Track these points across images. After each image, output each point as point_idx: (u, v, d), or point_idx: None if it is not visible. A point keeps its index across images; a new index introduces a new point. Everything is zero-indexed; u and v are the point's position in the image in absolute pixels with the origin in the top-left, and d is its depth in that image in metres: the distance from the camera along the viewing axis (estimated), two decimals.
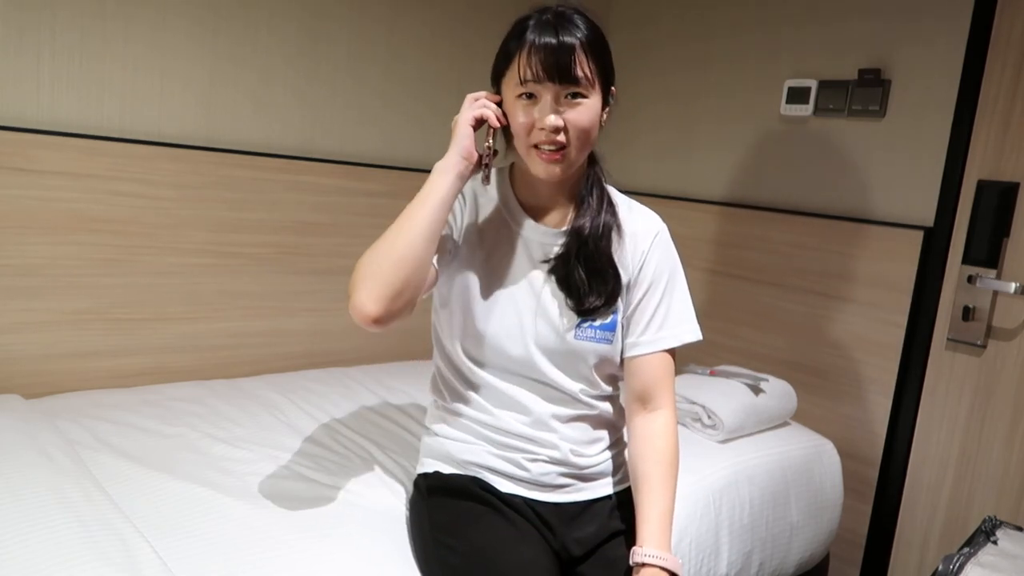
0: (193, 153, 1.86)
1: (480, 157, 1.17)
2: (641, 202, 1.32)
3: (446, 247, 1.20)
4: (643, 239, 1.24)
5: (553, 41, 1.09)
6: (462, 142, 1.14)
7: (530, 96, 1.12)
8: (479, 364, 1.25)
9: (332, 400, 1.84)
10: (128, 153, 1.76)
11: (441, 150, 1.16)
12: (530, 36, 1.10)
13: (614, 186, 1.29)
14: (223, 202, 1.92)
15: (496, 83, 1.18)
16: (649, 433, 1.20)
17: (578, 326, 1.21)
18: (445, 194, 1.12)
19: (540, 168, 1.15)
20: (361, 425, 1.70)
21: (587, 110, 1.13)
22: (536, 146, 1.13)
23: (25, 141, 1.63)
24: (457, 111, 1.18)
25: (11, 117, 1.64)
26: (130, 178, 1.77)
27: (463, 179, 1.15)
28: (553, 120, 1.10)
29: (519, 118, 1.13)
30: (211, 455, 1.47)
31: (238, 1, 1.91)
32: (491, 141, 1.17)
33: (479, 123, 1.17)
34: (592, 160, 1.25)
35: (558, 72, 1.09)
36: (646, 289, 1.23)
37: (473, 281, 1.23)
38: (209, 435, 1.56)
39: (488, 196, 1.27)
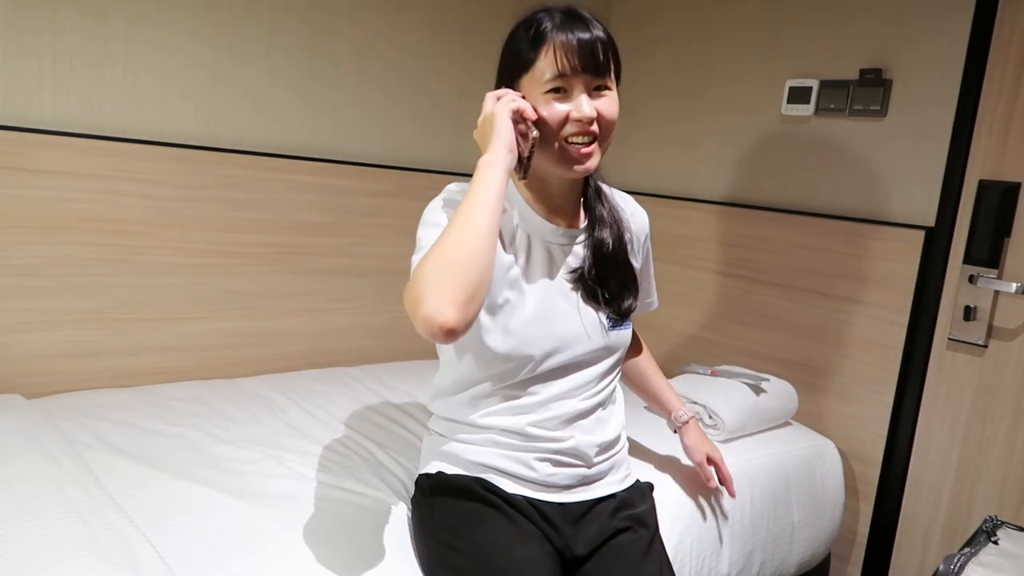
0: (194, 153, 1.86)
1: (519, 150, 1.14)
2: (641, 202, 1.35)
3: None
4: (640, 229, 1.36)
5: (587, 36, 1.11)
6: (506, 135, 1.10)
7: (559, 90, 1.12)
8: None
9: (333, 400, 1.84)
10: (129, 153, 1.76)
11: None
12: (558, 33, 1.11)
13: (608, 183, 1.33)
14: (224, 202, 1.92)
15: (510, 84, 1.17)
16: (642, 360, 1.58)
17: (609, 318, 1.27)
18: (500, 187, 1.07)
19: (572, 163, 1.14)
20: (363, 425, 1.70)
21: (613, 101, 1.16)
22: (567, 141, 1.13)
23: (26, 141, 1.63)
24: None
25: (12, 117, 1.64)
26: (131, 178, 1.77)
27: (508, 173, 1.10)
28: (589, 109, 1.12)
29: (551, 112, 1.12)
30: (212, 455, 1.48)
31: (239, 1, 1.91)
32: (533, 132, 1.13)
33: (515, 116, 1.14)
34: None
35: (593, 63, 1.11)
36: (642, 265, 1.38)
37: (516, 298, 1.20)
38: (210, 435, 1.56)
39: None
